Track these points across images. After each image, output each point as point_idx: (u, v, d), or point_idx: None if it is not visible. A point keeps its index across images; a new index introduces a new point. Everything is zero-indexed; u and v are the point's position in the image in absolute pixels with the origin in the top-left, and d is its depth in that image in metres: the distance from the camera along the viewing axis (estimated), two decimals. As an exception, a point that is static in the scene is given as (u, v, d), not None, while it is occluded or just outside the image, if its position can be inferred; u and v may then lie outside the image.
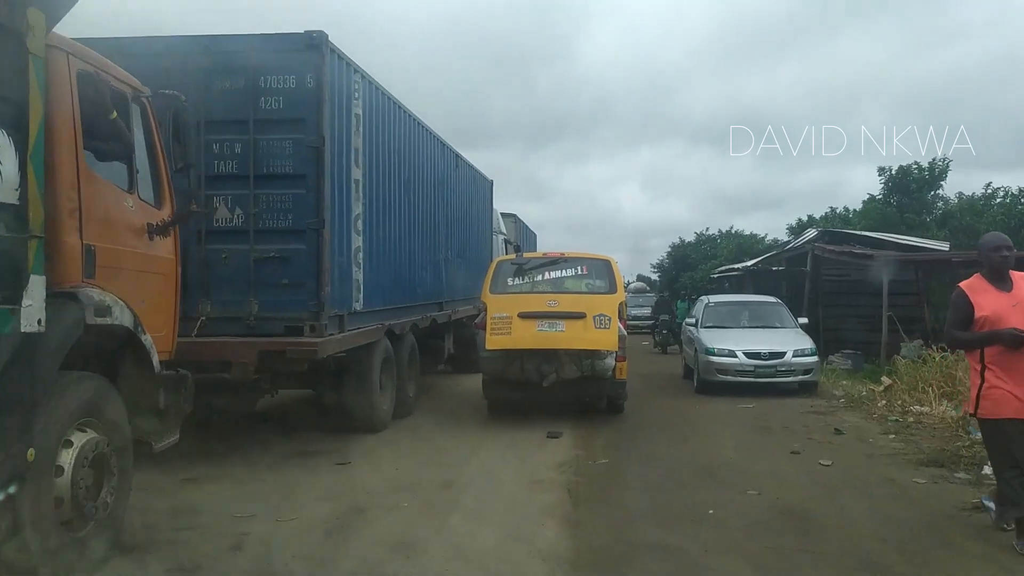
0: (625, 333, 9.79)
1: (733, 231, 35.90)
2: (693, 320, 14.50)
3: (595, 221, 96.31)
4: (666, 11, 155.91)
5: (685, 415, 10.96)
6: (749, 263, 20.37)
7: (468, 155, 18.91)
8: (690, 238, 40.06)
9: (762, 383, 12.64)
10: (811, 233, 20.05)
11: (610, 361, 9.55)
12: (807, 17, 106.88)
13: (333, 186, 8.06)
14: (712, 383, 12.93)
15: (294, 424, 9.73)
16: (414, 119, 11.34)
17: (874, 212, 25.47)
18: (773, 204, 72.44)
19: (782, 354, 12.63)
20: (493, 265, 11.05)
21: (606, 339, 9.23)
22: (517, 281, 10.29)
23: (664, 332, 22.96)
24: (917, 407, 10.52)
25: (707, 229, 38.49)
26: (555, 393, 9.83)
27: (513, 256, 11.68)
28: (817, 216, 30.22)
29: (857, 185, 73.77)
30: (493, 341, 9.42)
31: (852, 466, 7.52)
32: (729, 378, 12.71)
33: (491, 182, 18.98)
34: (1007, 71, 53.49)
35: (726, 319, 14.32)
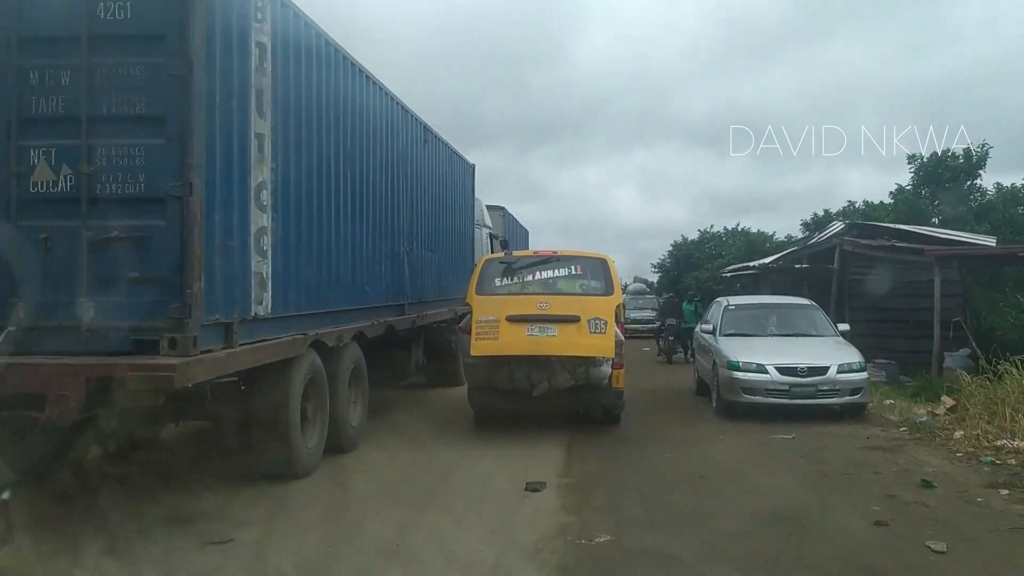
0: (622, 338, 9.05)
1: (740, 228, 33.61)
2: (709, 327, 12.03)
3: (590, 222, 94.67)
4: (659, 12, 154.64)
5: (707, 451, 8.49)
6: (767, 260, 17.99)
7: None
8: (693, 236, 37.73)
9: (799, 406, 10.19)
10: (837, 226, 17.63)
11: (606, 368, 8.81)
12: (801, 19, 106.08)
13: (215, 138, 5.59)
14: (736, 405, 10.47)
15: (183, 464, 7.26)
16: (360, 70, 8.87)
17: (904, 204, 23.00)
18: (768, 206, 71.27)
19: (824, 370, 10.17)
20: (480, 264, 10.26)
21: (602, 345, 8.53)
22: (506, 281, 9.52)
23: (670, 339, 20.50)
24: (1012, 441, 8.08)
25: (711, 227, 36.14)
26: (547, 403, 9.02)
27: (501, 254, 10.66)
28: (833, 211, 27.88)
29: (853, 186, 72.24)
30: (478, 347, 8.70)
31: (982, 556, 5.03)
32: (758, 399, 10.24)
33: (472, 166, 16.53)
34: (1002, 73, 52.02)
35: (750, 325, 11.87)
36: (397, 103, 10.49)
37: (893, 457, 7.99)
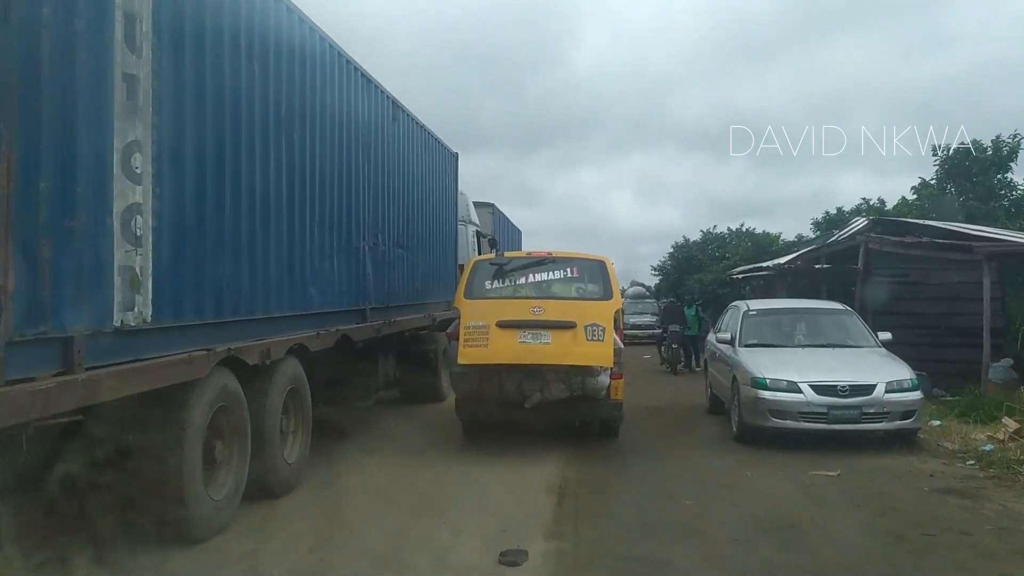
0: (622, 346, 8.46)
1: (745, 229, 31.90)
2: (727, 336, 10.28)
3: (587, 227, 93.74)
4: (656, 16, 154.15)
5: (736, 497, 6.72)
6: (782, 260, 16.28)
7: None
8: (694, 237, 35.96)
9: (839, 432, 8.46)
10: (859, 223, 15.90)
11: (604, 379, 8.18)
12: (797, 23, 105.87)
13: (40, 72, 3.85)
14: (761, 430, 8.73)
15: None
16: (298, 16, 7.13)
17: (929, 200, 21.20)
18: (765, 211, 70.58)
19: (869, 388, 8.44)
20: (469, 265, 9.69)
21: (599, 353, 8.01)
22: (497, 284, 8.95)
23: (674, 347, 18.76)
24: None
25: (714, 227, 34.36)
26: (540, 415, 8.41)
27: (491, 255, 9.85)
28: (847, 208, 26.12)
29: (850, 190, 71.37)
30: (466, 354, 8.13)
31: None
32: (788, 424, 8.50)
33: (455, 155, 14.79)
34: (996, 77, 52.04)
35: (775, 334, 10.14)
36: (356, 68, 8.76)
37: (976, 506, 6.24)
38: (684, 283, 31.20)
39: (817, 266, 15.25)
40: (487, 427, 8.94)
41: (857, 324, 10.22)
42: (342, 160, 8.36)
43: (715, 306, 26.75)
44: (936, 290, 15.11)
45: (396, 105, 10.51)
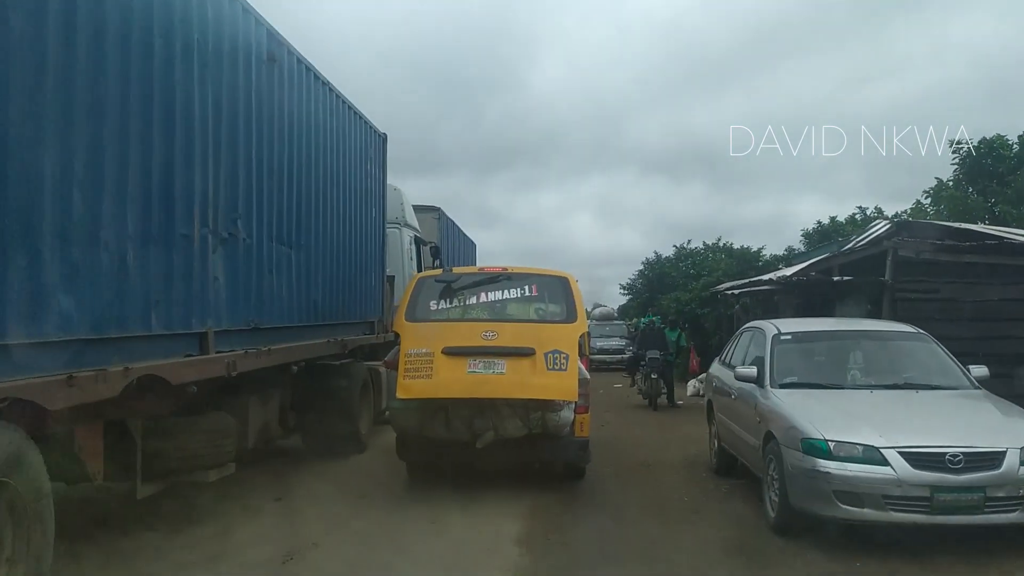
0: (588, 376, 7.67)
1: (722, 244, 29.03)
2: (749, 372, 7.11)
3: (548, 249, 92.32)
4: (611, 41, 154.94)
5: None
6: (787, 272, 13.32)
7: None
8: (667, 253, 33.00)
9: (951, 527, 5.36)
10: (880, 227, 13.00)
11: (567, 414, 7.22)
12: (749, 50, 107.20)
13: None
14: (820, 519, 5.60)
15: None
16: None
17: (950, 201, 18.36)
18: (726, 233, 70.52)
19: (996, 459, 5.35)
20: (412, 282, 8.42)
21: (562, 385, 6.95)
22: (444, 304, 7.78)
23: (653, 377, 15.66)
24: None
25: (688, 242, 31.40)
26: (494, 457, 7.37)
27: (438, 271, 8.97)
28: (841, 218, 23.31)
29: (804, 216, 71.63)
30: (406, 387, 7.00)
31: None
32: (868, 514, 5.38)
33: (382, 136, 11.63)
34: (947, 103, 52.35)
35: (822, 369, 7.08)
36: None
37: None
38: (656, 302, 28.22)
39: (836, 279, 12.30)
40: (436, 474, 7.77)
41: (939, 354, 7.15)
42: (150, 84, 5.11)
43: (693, 328, 23.81)
44: (974, 309, 12.33)
45: (275, 38, 7.31)
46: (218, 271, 6.18)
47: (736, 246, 28.38)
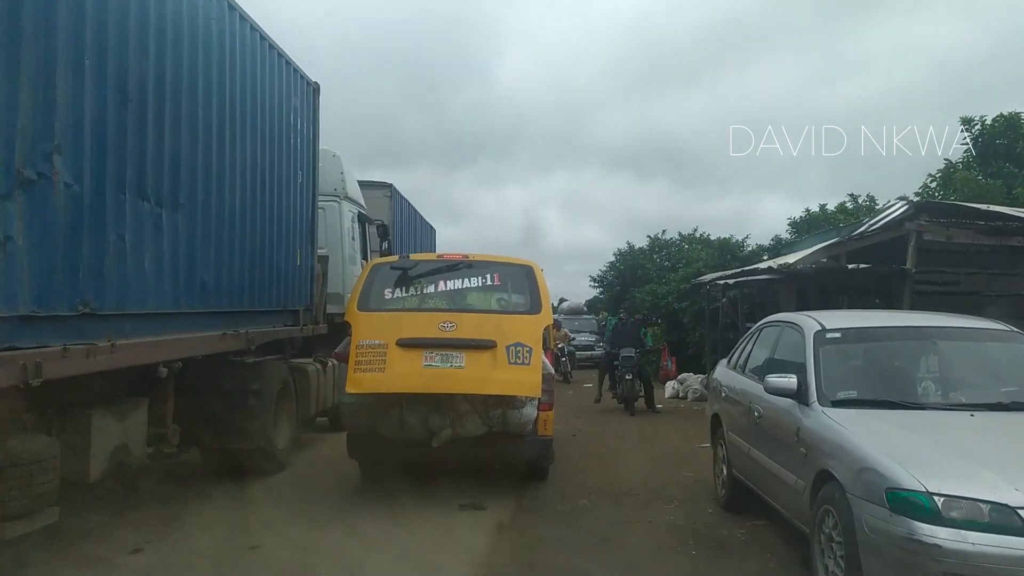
0: (552, 370, 7.43)
1: (699, 235, 27.22)
2: (784, 382, 5.16)
3: (514, 244, 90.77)
4: (574, 37, 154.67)
5: None
6: (790, 260, 11.45)
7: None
8: (641, 243, 31.11)
9: None
10: (898, 208, 11.21)
11: (530, 411, 6.87)
12: (713, 48, 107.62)
13: None
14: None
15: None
16: None
17: (964, 184, 16.57)
18: (689, 229, 69.80)
19: None
20: (366, 270, 7.84)
21: (524, 380, 6.60)
22: (399, 293, 7.36)
23: (628, 377, 13.80)
24: None
25: (663, 232, 29.62)
26: (451, 455, 6.97)
27: (395, 258, 8.22)
28: (831, 206, 21.59)
29: (768, 215, 71.96)
30: (357, 381, 6.58)
31: None
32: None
33: (313, 86, 9.57)
34: (908, 103, 52.74)
35: (887, 381, 5.19)
36: None
37: None
38: (630, 295, 26.42)
39: (852, 266, 10.49)
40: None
41: (1043, 358, 5.31)
42: None
43: (669, 324, 22.03)
44: (1000, 306, 10.74)
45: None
46: (14, 228, 4.09)
47: (714, 237, 26.73)
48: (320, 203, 10.77)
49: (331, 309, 10.86)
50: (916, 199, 13.19)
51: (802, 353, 5.37)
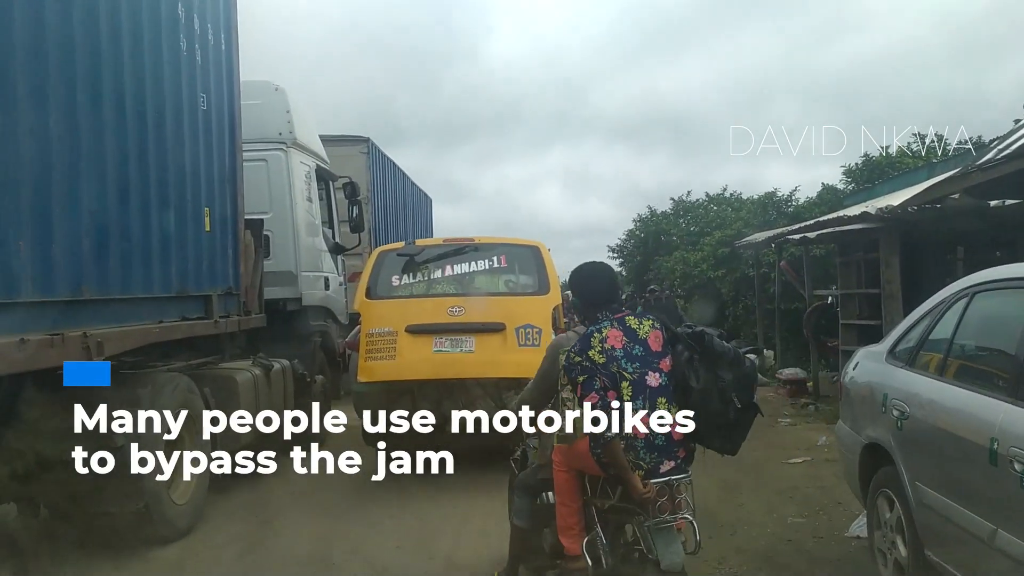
0: None
1: (728, 194, 24.14)
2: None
3: (518, 222, 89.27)
4: (566, 9, 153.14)
5: None
6: (894, 203, 8.41)
7: None
8: (633, 225, 27.95)
9: None
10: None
11: None
12: (708, 10, 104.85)
13: None
14: None
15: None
16: None
17: None
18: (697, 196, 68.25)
19: None
20: (372, 258, 7.96)
21: (535, 361, 5.67)
22: (407, 279, 7.48)
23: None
24: None
25: (688, 193, 26.49)
26: (467, 443, 6.39)
27: (401, 245, 8.20)
28: (855, 163, 18.42)
29: (774, 180, 68.13)
30: (368, 369, 6.88)
31: None
32: None
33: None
34: (909, 60, 48.98)
35: None
36: None
37: None
38: (655, 266, 23.51)
39: (993, 203, 7.60)
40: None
41: None
42: None
43: (704, 295, 19.10)
44: None
45: None
46: None
47: (745, 196, 23.70)
48: (259, 152, 8.17)
49: (278, 294, 8.16)
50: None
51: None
